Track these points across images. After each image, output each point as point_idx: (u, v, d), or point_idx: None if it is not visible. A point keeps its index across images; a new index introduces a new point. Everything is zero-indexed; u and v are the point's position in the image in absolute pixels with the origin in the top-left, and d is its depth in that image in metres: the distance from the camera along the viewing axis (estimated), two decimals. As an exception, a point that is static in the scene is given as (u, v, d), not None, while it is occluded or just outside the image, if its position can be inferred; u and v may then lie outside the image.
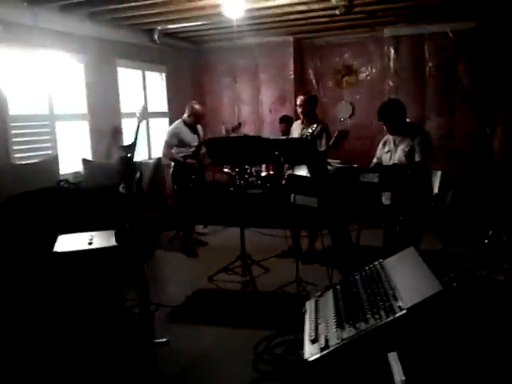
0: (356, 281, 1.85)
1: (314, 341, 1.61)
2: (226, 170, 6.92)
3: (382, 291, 1.65)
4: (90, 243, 3.40)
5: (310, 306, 1.88)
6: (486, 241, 3.84)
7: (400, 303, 1.52)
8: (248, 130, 8.40)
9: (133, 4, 5.44)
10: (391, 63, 7.60)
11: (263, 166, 7.05)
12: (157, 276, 5.03)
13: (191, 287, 4.69)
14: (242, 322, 3.89)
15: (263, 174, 7.14)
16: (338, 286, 1.90)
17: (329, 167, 3.55)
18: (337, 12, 5.91)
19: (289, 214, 5.36)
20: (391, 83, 7.63)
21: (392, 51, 7.55)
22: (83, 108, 6.15)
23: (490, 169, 7.21)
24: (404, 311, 1.46)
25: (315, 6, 5.90)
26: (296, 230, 5.36)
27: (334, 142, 6.66)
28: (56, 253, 3.25)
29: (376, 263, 1.90)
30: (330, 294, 1.86)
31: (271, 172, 7.06)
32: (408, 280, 1.66)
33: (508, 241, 3.95)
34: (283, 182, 5.73)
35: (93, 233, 3.70)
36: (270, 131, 8.26)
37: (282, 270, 4.79)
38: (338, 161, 4.01)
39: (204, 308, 4.21)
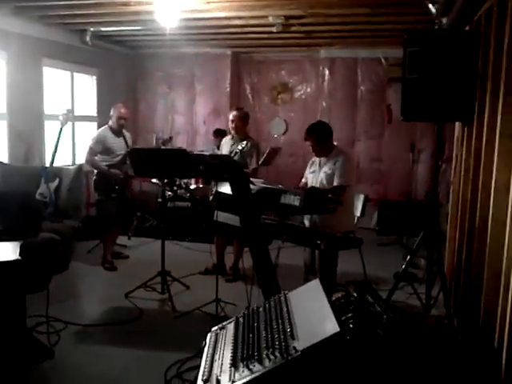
0: (259, 314, 1.77)
1: (205, 381, 1.50)
2: (153, 180, 6.74)
3: (281, 328, 1.58)
4: (-10, 256, 3.15)
5: (209, 339, 1.78)
6: (403, 266, 3.90)
7: (296, 343, 1.45)
8: (181, 140, 8.26)
9: (63, 3, 5.19)
10: (325, 84, 7.74)
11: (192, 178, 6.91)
12: (69, 290, 4.75)
13: (106, 304, 4.46)
14: (154, 343, 3.72)
15: (192, 186, 7.02)
16: (240, 318, 1.82)
17: (252, 186, 3.49)
18: (274, 30, 5.94)
19: (214, 230, 5.29)
20: (324, 104, 7.76)
21: (327, 72, 7.69)
22: (2, 107, 5.77)
23: (413, 193, 7.48)
24: (298, 353, 1.39)
25: (253, 22, 5.90)
26: (220, 246, 5.27)
27: (266, 158, 6.70)
28: None
29: (281, 295, 1.84)
30: (231, 327, 1.77)
31: (200, 185, 6.95)
32: (308, 317, 1.60)
33: (427, 266, 4.04)
34: (210, 196, 5.67)
35: (-5, 243, 3.44)
36: (204, 143, 8.17)
37: (204, 288, 4.65)
38: (262, 180, 3.96)
39: (117, 327, 3.99)
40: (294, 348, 1.43)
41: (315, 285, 1.79)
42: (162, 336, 3.88)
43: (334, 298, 1.64)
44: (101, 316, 4.21)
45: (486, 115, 3.14)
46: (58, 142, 5.46)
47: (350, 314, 1.49)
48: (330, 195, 3.47)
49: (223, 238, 5.27)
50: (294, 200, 3.29)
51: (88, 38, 6.77)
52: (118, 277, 5.25)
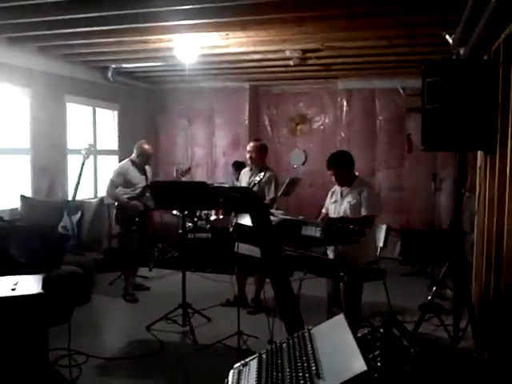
0: (282, 350, 1.74)
1: (229, 420, 1.47)
2: (174, 211, 6.78)
3: (305, 366, 1.54)
4: (14, 289, 3.17)
5: (232, 376, 1.75)
6: (429, 297, 3.81)
7: (321, 383, 1.41)
8: (201, 172, 8.34)
9: (85, 41, 5.35)
10: (343, 115, 7.77)
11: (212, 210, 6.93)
12: (91, 323, 4.74)
13: (127, 337, 4.43)
14: (177, 377, 3.69)
15: (212, 217, 7.04)
16: (263, 355, 1.78)
17: (272, 218, 3.47)
18: (291, 63, 6.03)
19: (235, 261, 5.26)
20: (343, 134, 7.77)
21: (345, 103, 7.73)
22: (26, 142, 5.91)
23: (436, 222, 7.36)
24: (325, 392, 1.35)
25: (270, 56, 5.99)
26: (241, 277, 5.23)
27: (286, 188, 6.70)
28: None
29: (305, 331, 1.80)
30: (254, 364, 1.74)
31: (221, 216, 6.96)
32: (334, 355, 1.56)
33: (454, 297, 3.95)
34: (230, 227, 5.66)
35: (19, 277, 3.47)
36: (223, 174, 8.22)
37: (225, 320, 4.61)
38: (282, 212, 3.95)
39: (138, 361, 3.95)
40: (321, 387, 1.39)
41: (340, 320, 1.75)
42: (183, 370, 3.83)
43: (359, 335, 1.60)
44: (122, 349, 4.18)
45: (510, 144, 3.10)
46: (80, 175, 5.54)
47: (377, 352, 1.45)
48: (353, 226, 3.43)
49: (244, 270, 5.23)
50: (315, 231, 3.26)
51: (110, 75, 6.96)
52: (139, 309, 5.23)
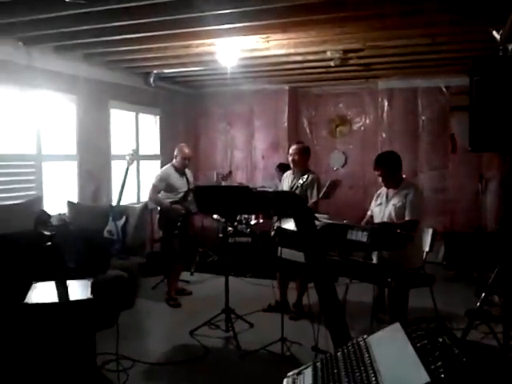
0: (338, 359, 1.70)
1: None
2: (214, 216, 6.81)
3: (364, 376, 1.50)
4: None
5: (286, 384, 1.73)
6: (478, 304, 3.68)
7: (383, 394, 1.37)
8: (240, 176, 8.36)
9: (130, 48, 5.44)
10: (384, 115, 7.64)
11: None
12: (135, 327, 4.80)
13: (171, 341, 4.46)
14: None
15: (252, 222, 7.03)
16: (318, 364, 1.75)
17: (316, 223, 3.43)
18: (332, 64, 5.96)
19: (276, 266, 5.24)
20: (384, 135, 7.64)
21: (386, 103, 7.60)
22: (72, 149, 6.06)
23: (483, 225, 7.13)
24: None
25: (311, 57, 5.95)
26: (283, 282, 5.20)
27: (327, 191, 6.63)
28: (26, 305, 3.10)
29: (360, 339, 1.76)
30: (308, 373, 1.71)
31: (261, 220, 6.95)
32: (393, 365, 1.51)
33: (504, 303, 3.80)
34: (272, 231, 5.63)
35: (68, 282, 3.54)
36: (263, 177, 8.21)
37: (268, 326, 4.58)
38: (327, 216, 3.89)
39: (183, 366, 3.97)
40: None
41: (396, 328, 1.70)
42: (228, 376, 3.82)
43: (418, 344, 1.55)
44: (167, 354, 4.21)
45: None
46: (124, 180, 5.64)
47: (439, 363, 1.40)
48: (399, 230, 3.35)
49: (286, 274, 5.20)
50: (362, 236, 3.20)
51: (151, 80, 7.07)
52: (182, 313, 5.26)
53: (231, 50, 5.23)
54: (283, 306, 4.73)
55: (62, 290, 3.11)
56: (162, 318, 5.18)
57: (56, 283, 3.20)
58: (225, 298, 4.59)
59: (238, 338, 4.37)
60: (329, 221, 3.47)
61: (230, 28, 4.56)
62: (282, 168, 6.92)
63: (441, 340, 1.56)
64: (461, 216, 7.30)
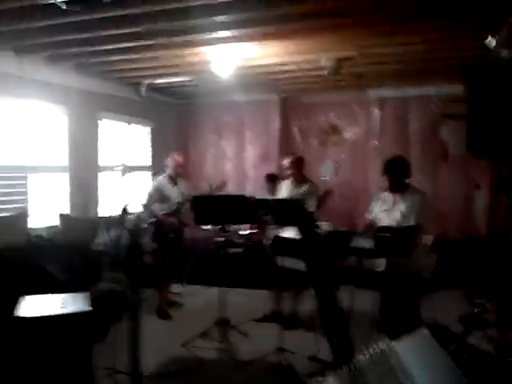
0: (361, 366, 1.64)
1: None
2: (207, 226, 6.69)
3: (396, 382, 1.44)
4: (63, 307, 3.16)
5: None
6: (476, 310, 3.66)
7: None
8: (231, 186, 8.25)
9: (121, 57, 5.39)
10: (376, 124, 7.65)
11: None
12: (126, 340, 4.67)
13: (165, 354, 4.31)
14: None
15: (244, 232, 6.96)
16: (340, 372, 1.68)
17: (319, 230, 3.38)
18: (325, 72, 5.96)
19: (271, 275, 5.16)
20: (375, 144, 7.64)
21: (377, 112, 7.62)
22: (64, 160, 5.95)
23: (474, 232, 7.15)
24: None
25: (305, 66, 5.94)
26: (277, 292, 5.12)
27: (320, 201, 6.58)
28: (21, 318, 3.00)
29: (384, 346, 1.70)
30: (331, 382, 1.64)
31: (253, 230, 6.87)
32: (428, 369, 1.45)
33: (497, 309, 3.79)
34: (263, 241, 5.58)
35: (64, 295, 3.46)
36: (253, 188, 8.14)
37: (263, 336, 4.50)
38: (328, 223, 3.84)
39: (176, 379, 3.84)
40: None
41: (425, 334, 1.65)
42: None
43: (451, 348, 1.50)
44: (161, 366, 4.08)
45: None
46: (117, 192, 5.54)
47: (474, 365, 1.35)
48: (404, 236, 3.31)
49: (281, 284, 5.12)
50: (367, 242, 3.17)
51: (143, 91, 7.01)
52: (173, 326, 5.14)
53: (225, 58, 5.19)
54: (277, 315, 4.66)
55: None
56: (153, 331, 5.03)
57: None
58: (218, 308, 4.50)
59: (233, 349, 4.28)
60: (333, 229, 3.43)
61: (223, 37, 4.55)
62: (271, 179, 6.85)
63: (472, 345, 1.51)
64: (452, 223, 7.31)
